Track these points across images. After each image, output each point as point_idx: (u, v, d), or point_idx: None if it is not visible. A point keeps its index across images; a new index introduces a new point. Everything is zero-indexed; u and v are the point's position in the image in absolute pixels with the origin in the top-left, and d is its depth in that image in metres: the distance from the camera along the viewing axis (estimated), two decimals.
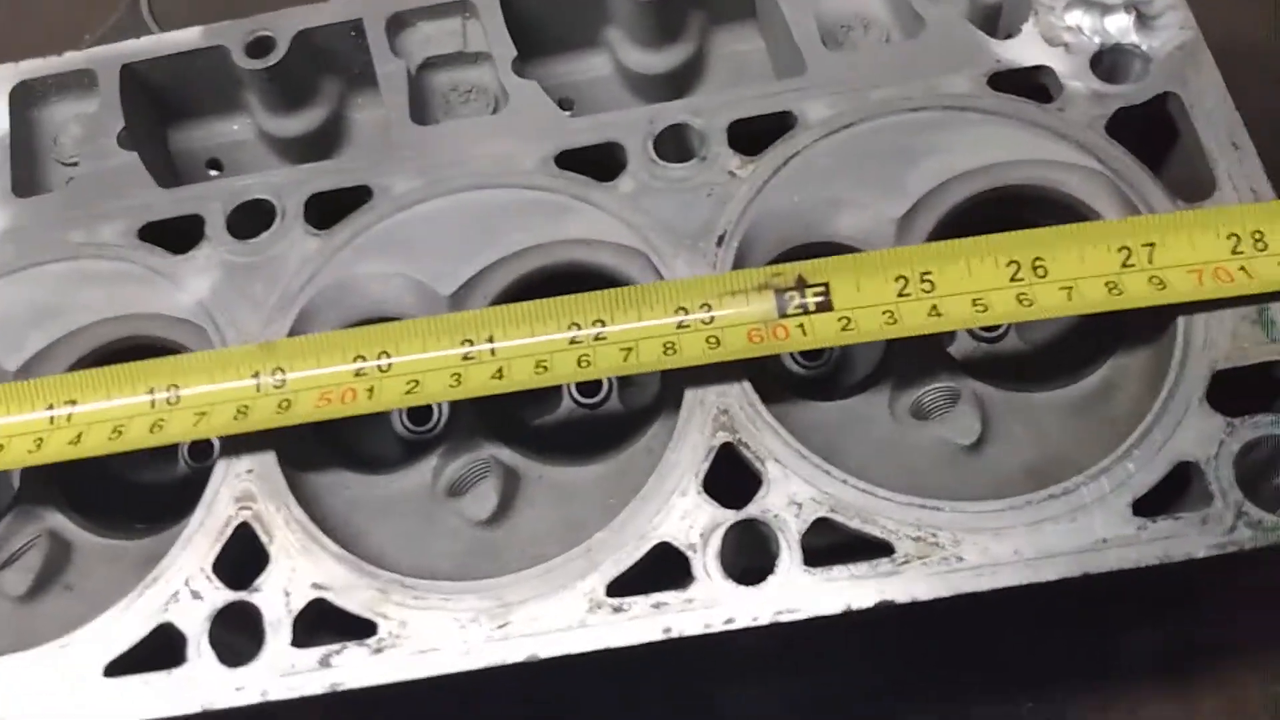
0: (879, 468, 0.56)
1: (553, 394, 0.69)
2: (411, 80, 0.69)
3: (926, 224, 0.60)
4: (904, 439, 0.58)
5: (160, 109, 0.75)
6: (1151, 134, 0.63)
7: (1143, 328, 0.58)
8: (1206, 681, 0.73)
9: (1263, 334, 0.54)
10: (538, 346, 0.56)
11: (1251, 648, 0.74)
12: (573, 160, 0.64)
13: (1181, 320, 0.55)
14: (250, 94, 0.74)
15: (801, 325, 0.56)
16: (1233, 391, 0.55)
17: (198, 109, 0.76)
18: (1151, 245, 0.56)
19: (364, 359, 0.57)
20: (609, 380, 0.70)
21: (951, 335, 0.67)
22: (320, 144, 0.75)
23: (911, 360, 0.59)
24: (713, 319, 0.56)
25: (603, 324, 0.56)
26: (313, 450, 0.60)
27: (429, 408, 0.68)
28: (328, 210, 0.65)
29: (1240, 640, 0.74)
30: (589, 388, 0.69)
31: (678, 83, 0.74)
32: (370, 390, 0.56)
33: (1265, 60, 0.87)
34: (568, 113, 0.73)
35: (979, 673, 0.74)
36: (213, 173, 0.78)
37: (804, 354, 0.68)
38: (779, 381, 0.67)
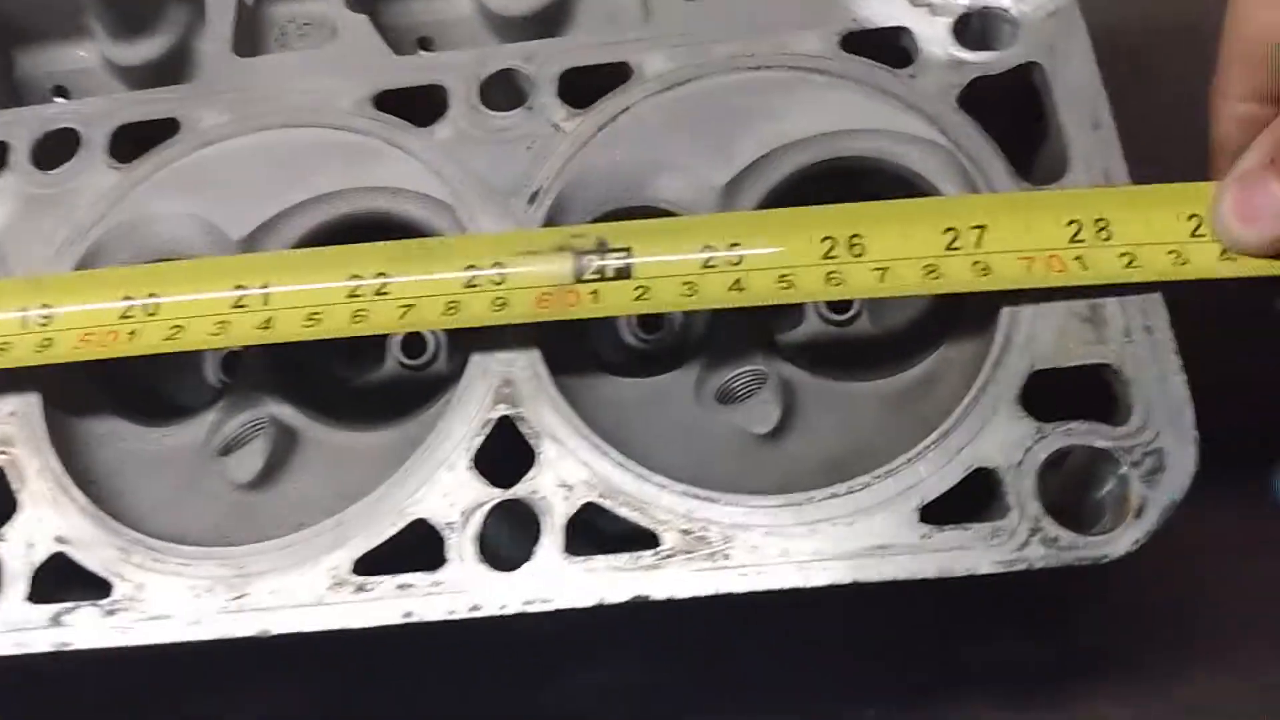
0: (668, 453, 0.51)
1: (375, 351, 0.66)
2: (244, 9, 0.65)
3: (753, 194, 0.55)
4: (701, 424, 0.53)
5: (3, 31, 0.72)
6: (1023, 109, 0.58)
7: (973, 318, 0.53)
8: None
9: (1092, 333, 0.49)
10: (312, 296, 0.52)
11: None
12: (396, 102, 0.59)
13: (1006, 312, 0.50)
14: (93, 18, 0.70)
15: (595, 291, 0.51)
16: (1063, 396, 0.50)
17: (43, 33, 0.73)
18: (982, 228, 0.51)
19: (131, 299, 0.53)
20: (435, 339, 0.66)
21: (799, 316, 0.63)
22: (167, 74, 0.72)
23: (729, 339, 0.55)
24: (503, 279, 0.52)
25: (385, 277, 0.52)
26: (87, 395, 0.56)
27: (236, 355, 0.65)
28: (143, 143, 0.62)
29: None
30: (414, 349, 0.65)
31: (544, 27, 0.69)
32: (132, 333, 0.52)
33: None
34: (424, 54, 0.70)
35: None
36: (58, 101, 0.74)
37: (641, 325, 0.64)
38: (617, 353, 0.63)
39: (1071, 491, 0.49)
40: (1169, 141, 0.56)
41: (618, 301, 0.51)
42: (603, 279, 0.51)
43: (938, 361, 0.54)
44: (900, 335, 0.59)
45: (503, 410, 0.51)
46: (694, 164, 0.55)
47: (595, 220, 0.56)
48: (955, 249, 0.50)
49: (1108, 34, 0.59)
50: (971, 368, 0.52)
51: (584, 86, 0.59)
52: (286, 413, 0.56)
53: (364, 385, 0.65)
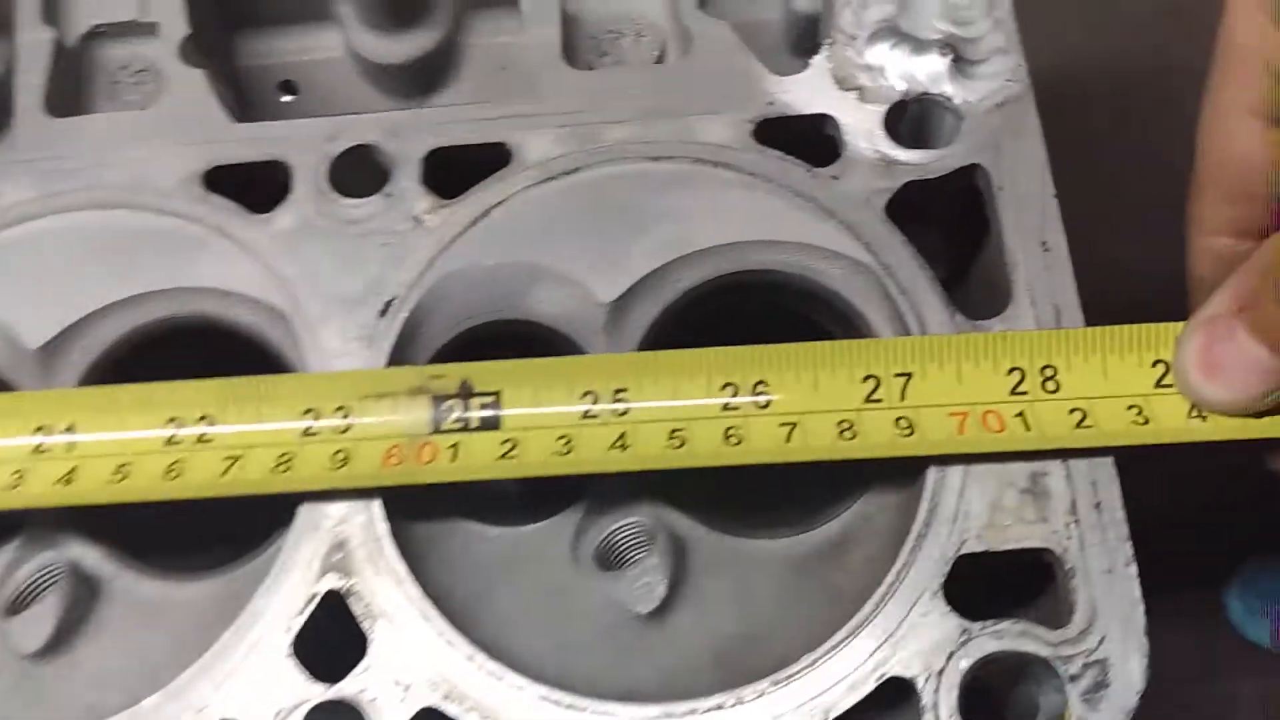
0: (532, 631, 0.43)
1: None
2: (61, 53, 0.55)
3: (646, 313, 0.46)
4: (576, 592, 0.45)
5: None
6: (967, 219, 0.50)
7: (898, 466, 0.46)
8: None
9: (1032, 508, 0.42)
10: (123, 446, 0.43)
11: None
12: (231, 179, 0.51)
13: (932, 474, 0.42)
14: None
15: (455, 445, 0.43)
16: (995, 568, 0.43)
17: None
18: (907, 376, 0.43)
19: None
20: None
21: None
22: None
23: (614, 479, 0.47)
24: (348, 428, 0.43)
25: (209, 423, 0.44)
26: None
27: None
28: None
29: None
30: None
31: (424, 76, 0.60)
32: None
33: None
34: (289, 98, 0.61)
35: None
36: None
37: None
38: (481, 492, 0.54)
39: (1001, 688, 0.43)
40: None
41: (479, 460, 0.42)
42: (465, 430, 0.43)
43: (856, 518, 0.46)
44: (814, 483, 0.51)
45: (332, 583, 0.43)
46: (578, 274, 0.46)
47: (459, 337, 0.47)
48: (876, 401, 0.43)
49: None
50: (892, 531, 0.45)
51: (455, 168, 0.50)
52: (89, 556, 0.47)
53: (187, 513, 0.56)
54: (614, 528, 0.45)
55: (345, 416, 0.44)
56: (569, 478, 0.45)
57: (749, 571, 0.45)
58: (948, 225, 0.51)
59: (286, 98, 0.62)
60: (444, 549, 0.46)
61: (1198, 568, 0.64)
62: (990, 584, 0.43)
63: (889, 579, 0.41)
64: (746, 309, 0.49)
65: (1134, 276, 0.65)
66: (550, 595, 0.45)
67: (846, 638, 0.40)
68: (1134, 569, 0.40)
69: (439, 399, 0.43)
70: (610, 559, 0.45)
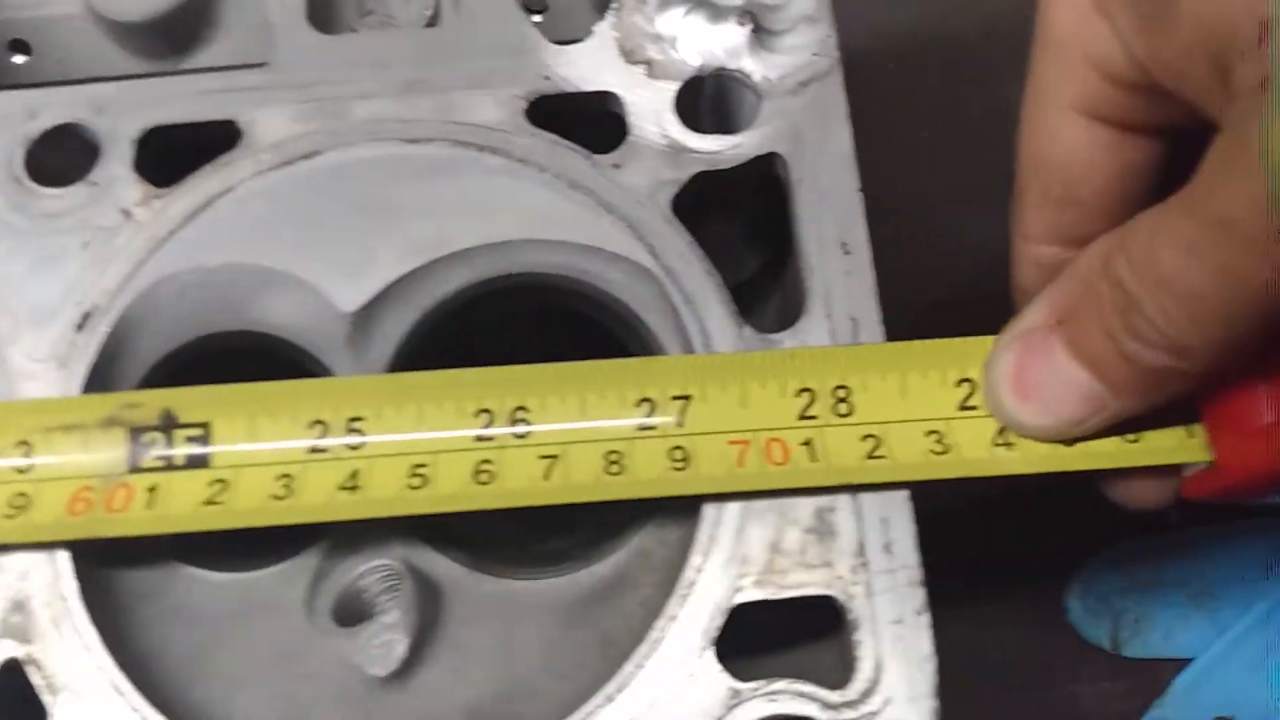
0: (257, 699, 0.38)
1: None
2: None
3: (398, 324, 0.40)
4: (306, 653, 0.39)
5: None
6: (771, 214, 0.45)
7: (679, 499, 0.41)
8: None
9: (816, 549, 0.37)
10: None
11: None
12: None
13: (708, 511, 0.37)
14: None
15: (154, 488, 0.36)
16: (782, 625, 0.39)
17: None
18: (686, 399, 0.38)
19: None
20: None
21: None
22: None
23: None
24: (30, 468, 0.36)
25: None
26: None
27: None
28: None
29: None
30: None
31: (175, 35, 0.52)
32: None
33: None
34: (21, 58, 0.52)
35: None
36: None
37: None
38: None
39: None
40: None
41: (180, 507, 0.36)
42: (168, 468, 0.37)
43: (633, 555, 0.41)
44: (590, 515, 0.46)
45: (9, 650, 0.36)
46: (315, 278, 0.40)
47: (175, 355, 0.40)
48: (649, 429, 0.37)
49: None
50: (672, 570, 0.39)
51: (180, 151, 0.43)
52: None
53: None
54: (357, 573, 0.40)
55: (27, 454, 0.37)
56: None
57: (513, 618, 0.40)
58: (757, 221, 0.46)
59: (18, 58, 0.53)
60: (160, 601, 0.39)
61: (1038, 568, 0.61)
62: (783, 624, 0.39)
63: (653, 634, 0.36)
64: (526, 316, 0.43)
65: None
66: (280, 652, 0.39)
67: (602, 704, 0.35)
68: (926, 618, 0.36)
69: (137, 431, 0.37)
70: (353, 609, 0.40)
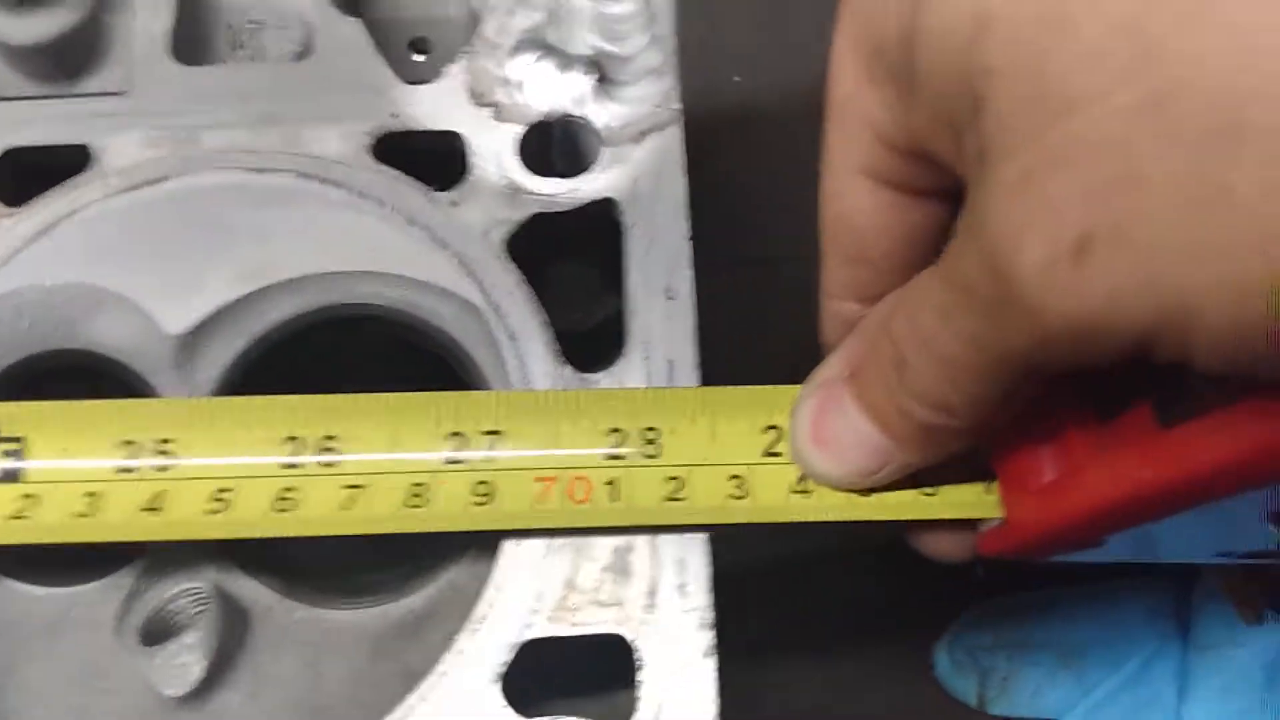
0: (51, 716, 0.38)
1: None
2: None
3: (226, 349, 0.41)
4: (114, 668, 0.39)
5: None
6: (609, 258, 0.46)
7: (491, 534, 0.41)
8: None
9: (611, 588, 0.38)
10: None
11: None
12: None
13: (508, 547, 0.38)
14: None
15: None
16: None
17: None
18: (497, 434, 0.39)
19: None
20: None
21: None
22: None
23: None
24: None
25: None
26: None
27: None
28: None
29: None
30: None
31: (67, 59, 0.54)
32: None
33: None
34: None
35: None
36: None
37: None
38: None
39: None
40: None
41: None
42: None
43: (444, 589, 0.41)
44: (401, 549, 0.46)
45: None
46: (145, 300, 0.41)
47: (8, 372, 0.41)
48: (457, 464, 0.38)
49: None
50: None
51: (39, 174, 0.44)
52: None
53: None
54: (169, 594, 0.40)
55: None
56: None
57: (321, 648, 0.40)
58: (606, 263, 0.47)
59: None
60: None
61: (907, 620, 0.61)
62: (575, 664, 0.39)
63: (440, 667, 0.36)
64: (358, 347, 0.44)
65: None
66: (87, 669, 0.39)
67: None
68: (712, 663, 0.36)
69: None
70: (161, 629, 0.40)
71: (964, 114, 0.27)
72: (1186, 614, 0.61)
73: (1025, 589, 0.62)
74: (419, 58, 0.54)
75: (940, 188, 0.33)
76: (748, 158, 0.73)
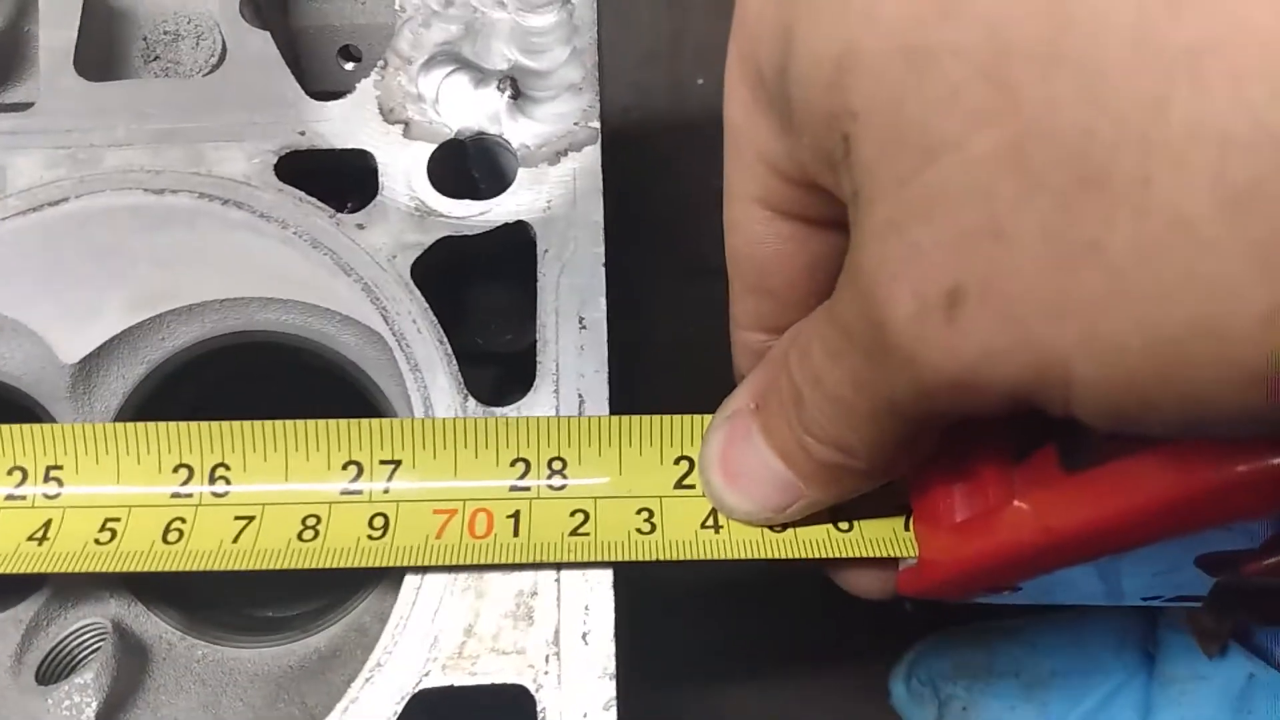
0: None
1: None
2: None
3: (125, 377, 0.39)
4: (10, 708, 0.38)
5: None
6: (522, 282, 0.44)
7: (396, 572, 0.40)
8: None
9: (511, 635, 0.36)
10: None
11: None
12: None
13: (408, 591, 0.36)
14: None
15: None
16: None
17: None
18: (395, 464, 0.37)
19: None
20: None
21: None
22: None
23: (73, 573, 0.39)
24: None
25: None
26: None
27: None
28: None
29: None
30: None
31: None
32: None
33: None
34: None
35: None
36: None
37: None
38: None
39: None
40: None
41: None
42: None
43: (349, 629, 0.40)
44: (309, 584, 0.45)
45: None
46: (41, 327, 0.39)
47: None
48: (353, 493, 0.36)
49: None
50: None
51: None
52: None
53: None
54: (69, 630, 0.39)
55: None
56: None
57: (221, 686, 0.39)
58: (525, 288, 0.45)
59: None
60: None
61: (861, 646, 0.59)
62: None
63: (333, 716, 0.34)
64: (261, 374, 0.42)
65: None
66: None
67: None
68: (613, 714, 0.34)
69: None
70: (60, 667, 0.39)
71: (836, 153, 0.25)
72: (1153, 645, 0.59)
73: (986, 617, 0.60)
74: (349, 65, 0.52)
75: (836, 218, 0.31)
76: (709, 162, 0.71)
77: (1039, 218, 0.21)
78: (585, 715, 0.34)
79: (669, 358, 0.66)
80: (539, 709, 0.35)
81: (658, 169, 0.74)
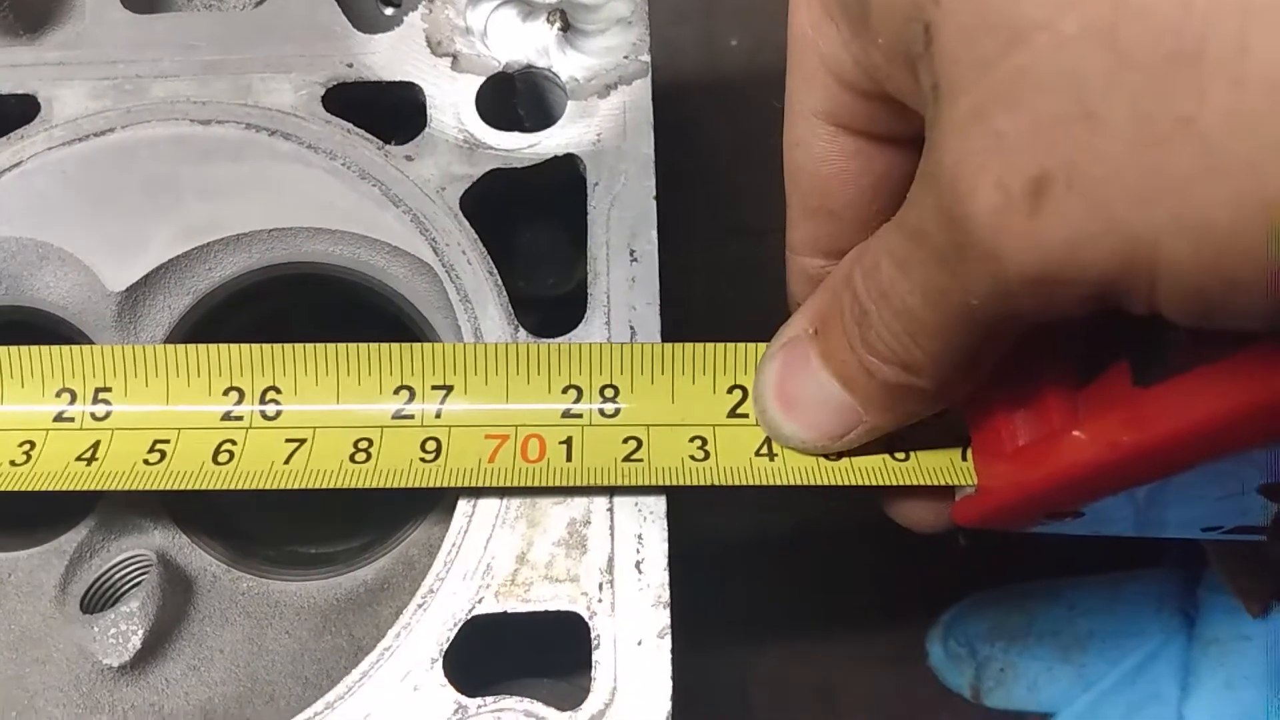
0: None
1: None
2: None
3: (171, 306, 0.39)
4: (52, 635, 0.38)
5: None
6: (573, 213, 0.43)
7: (447, 505, 0.39)
8: None
9: (565, 563, 0.35)
10: None
11: None
12: None
13: (460, 514, 0.35)
14: None
15: None
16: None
17: None
18: (447, 389, 0.36)
19: None
20: None
21: None
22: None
23: (123, 497, 0.39)
24: None
25: None
26: None
27: None
28: None
29: None
30: None
31: (29, 12, 0.52)
32: None
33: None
34: None
35: None
36: None
37: None
38: None
39: None
40: None
41: None
42: None
43: (396, 562, 0.39)
44: (356, 517, 0.44)
45: None
46: (88, 256, 0.39)
47: None
48: (406, 417, 0.36)
49: None
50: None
51: None
52: None
53: None
54: (113, 561, 0.38)
55: None
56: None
57: (266, 620, 0.38)
58: (579, 227, 0.44)
59: None
60: None
61: (901, 606, 0.59)
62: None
63: (384, 642, 0.34)
64: (309, 306, 0.42)
65: None
66: (23, 636, 0.38)
67: (322, 711, 0.34)
68: (667, 641, 0.34)
69: None
70: (103, 597, 0.38)
71: (917, 46, 0.25)
72: (1193, 607, 0.59)
73: (1025, 578, 0.59)
74: (389, 10, 0.52)
75: (903, 133, 0.31)
76: (743, 124, 0.70)
77: (1129, 97, 0.21)
78: (640, 642, 0.34)
79: (705, 318, 0.65)
80: (593, 635, 0.34)
81: (689, 130, 0.73)
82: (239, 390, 0.36)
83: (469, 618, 0.34)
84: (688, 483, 0.35)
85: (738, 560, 0.61)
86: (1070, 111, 0.22)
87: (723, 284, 0.67)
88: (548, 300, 0.48)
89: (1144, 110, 0.21)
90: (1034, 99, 0.22)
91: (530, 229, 0.47)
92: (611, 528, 0.35)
